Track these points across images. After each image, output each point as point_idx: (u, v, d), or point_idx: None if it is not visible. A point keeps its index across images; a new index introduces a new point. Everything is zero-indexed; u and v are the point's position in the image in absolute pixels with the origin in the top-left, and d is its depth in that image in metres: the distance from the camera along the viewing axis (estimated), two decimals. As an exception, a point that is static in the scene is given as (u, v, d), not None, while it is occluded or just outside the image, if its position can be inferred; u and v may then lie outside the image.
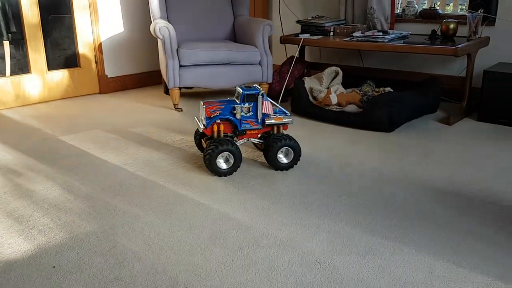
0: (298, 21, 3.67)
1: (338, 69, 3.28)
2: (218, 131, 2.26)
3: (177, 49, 3.20)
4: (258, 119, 2.30)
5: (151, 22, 4.02)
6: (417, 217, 1.84)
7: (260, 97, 2.27)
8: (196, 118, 2.38)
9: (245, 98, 2.26)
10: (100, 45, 3.73)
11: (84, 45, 3.70)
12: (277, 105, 2.38)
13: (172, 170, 2.32)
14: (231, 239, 1.70)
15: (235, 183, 2.16)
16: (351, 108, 2.95)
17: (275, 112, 2.35)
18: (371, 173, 2.27)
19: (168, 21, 3.52)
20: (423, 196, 2.03)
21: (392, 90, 2.97)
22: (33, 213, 1.88)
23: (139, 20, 3.96)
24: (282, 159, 2.29)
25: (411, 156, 2.49)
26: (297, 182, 2.17)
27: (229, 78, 3.34)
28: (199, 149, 2.51)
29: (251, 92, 2.26)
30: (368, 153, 2.54)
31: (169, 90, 3.32)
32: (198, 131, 2.45)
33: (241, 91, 2.25)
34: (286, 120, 2.32)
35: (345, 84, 3.31)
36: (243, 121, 2.29)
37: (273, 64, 3.66)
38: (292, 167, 2.31)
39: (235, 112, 2.26)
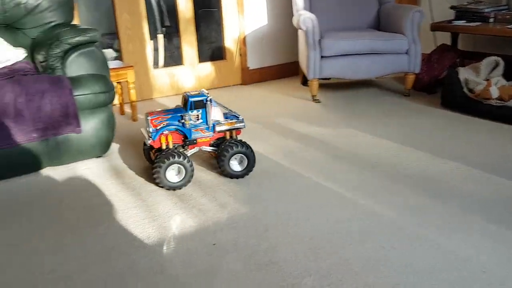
0: (452, 7, 3.38)
1: (499, 59, 2.94)
2: (167, 142, 2.11)
3: (319, 39, 3.19)
4: (208, 126, 2.15)
5: (292, 14, 4.08)
6: None
7: (208, 103, 2.10)
8: (142, 130, 2.21)
9: (193, 105, 2.10)
10: (244, 38, 3.90)
11: (230, 38, 3.90)
12: (228, 109, 2.24)
13: (314, 161, 2.32)
14: (382, 237, 1.64)
15: (383, 178, 2.09)
16: (515, 103, 2.63)
17: (226, 117, 2.20)
18: (543, 177, 2.00)
19: (311, 11, 3.53)
20: None
21: None
22: (193, 193, 2.04)
23: (280, 12, 4.04)
24: (235, 166, 2.15)
25: None
26: (460, 182, 2.00)
27: (372, 68, 3.23)
28: (148, 162, 2.33)
29: (198, 98, 2.10)
30: (536, 154, 2.24)
31: (308, 81, 3.34)
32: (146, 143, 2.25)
33: (188, 98, 2.10)
34: (238, 125, 2.17)
35: (507, 76, 2.96)
36: (193, 130, 2.13)
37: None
38: (246, 175, 2.16)
39: (183, 121, 2.11)
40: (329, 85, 3.85)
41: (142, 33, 3.53)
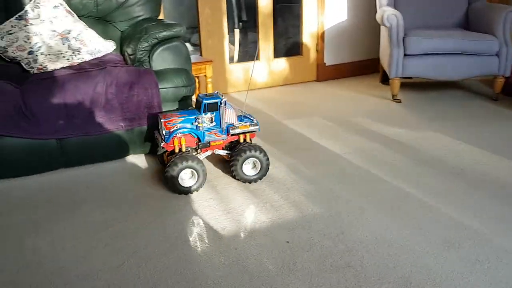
0: (554, 4, 3.09)
1: None
2: (180, 145, 2.04)
3: (403, 37, 3.05)
4: (222, 129, 2.07)
5: (374, 10, 3.95)
6: None
7: (222, 105, 2.03)
8: (155, 133, 2.18)
9: (206, 108, 2.03)
10: (322, 33, 3.85)
11: (308, 33, 3.86)
12: (243, 111, 2.11)
13: (394, 164, 2.23)
14: (466, 248, 1.54)
15: (468, 185, 1.96)
16: None
17: (240, 120, 2.12)
18: None
19: (395, 7, 3.39)
20: None
21: None
22: (266, 188, 2.05)
23: (362, 8, 3.93)
24: (249, 171, 2.08)
25: None
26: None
27: (458, 69, 3.05)
28: (162, 164, 2.28)
29: (212, 100, 2.03)
30: None
31: (389, 80, 3.22)
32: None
33: (202, 100, 2.03)
34: (252, 128, 2.09)
35: None
36: (206, 133, 2.06)
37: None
38: (260, 180, 2.10)
39: (196, 123, 2.04)
40: (411, 85, 3.69)
41: (221, 29, 3.59)
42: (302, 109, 3.22)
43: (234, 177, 2.12)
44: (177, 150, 2.05)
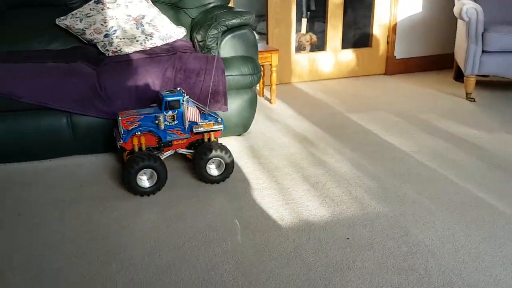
0: None
1: None
2: (139, 144, 1.94)
3: (482, 32, 2.86)
4: (185, 128, 1.98)
5: (451, 2, 3.73)
6: None
7: (185, 103, 1.93)
8: (114, 130, 2.07)
9: (168, 106, 1.93)
10: (395, 25, 3.70)
11: (379, 25, 3.73)
12: (206, 109, 1.99)
13: (464, 166, 2.11)
14: (544, 262, 1.42)
15: (548, 196, 1.81)
16: None
17: (204, 118, 2.05)
18: None
19: (474, 1, 3.18)
20: None
21: None
22: (327, 182, 2.02)
23: (438, 0, 3.72)
24: (213, 170, 2.01)
25: None
26: None
27: (543, 69, 2.81)
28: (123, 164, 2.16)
29: (174, 98, 1.92)
30: None
31: (464, 77, 3.04)
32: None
33: (163, 97, 1.92)
34: (216, 127, 2.03)
35: None
36: (168, 131, 1.97)
37: None
38: (224, 181, 2.02)
39: (157, 122, 1.93)
40: (487, 83, 3.47)
41: (289, 18, 3.56)
42: (368, 103, 3.13)
43: (197, 177, 2.04)
44: (136, 149, 1.98)
